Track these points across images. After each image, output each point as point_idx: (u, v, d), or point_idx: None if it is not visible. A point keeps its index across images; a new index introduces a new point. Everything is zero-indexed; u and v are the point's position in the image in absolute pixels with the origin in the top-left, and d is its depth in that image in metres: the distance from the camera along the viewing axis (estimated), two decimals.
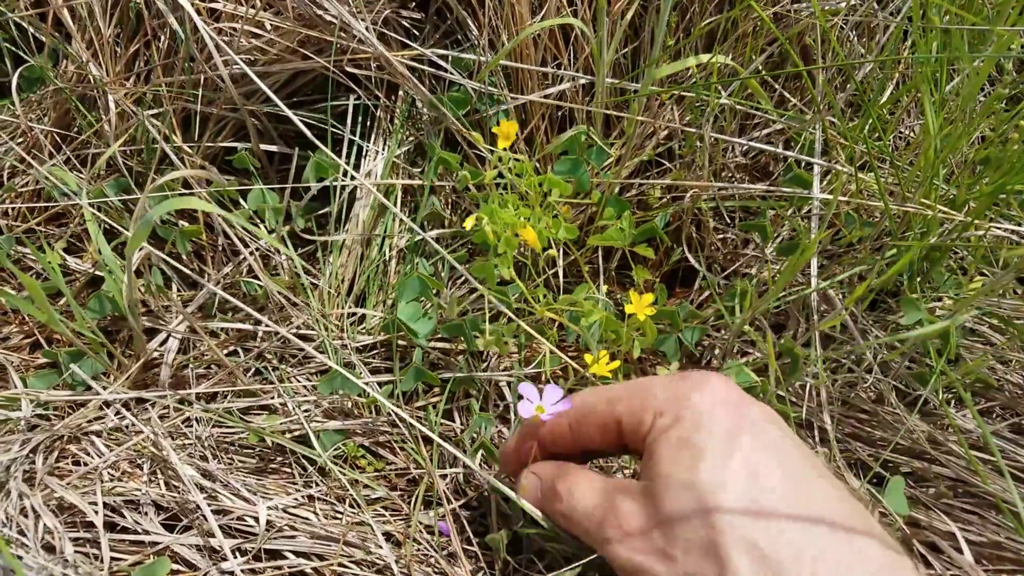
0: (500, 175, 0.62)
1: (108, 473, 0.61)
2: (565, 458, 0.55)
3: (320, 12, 0.67)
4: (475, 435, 0.66)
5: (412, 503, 0.63)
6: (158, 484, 0.60)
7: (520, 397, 0.61)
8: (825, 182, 0.75)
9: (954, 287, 0.76)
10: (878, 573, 0.39)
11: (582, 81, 0.72)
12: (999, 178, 0.69)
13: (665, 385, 0.48)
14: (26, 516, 0.57)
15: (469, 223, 0.60)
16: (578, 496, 0.49)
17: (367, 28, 0.67)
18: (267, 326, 0.66)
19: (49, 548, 0.56)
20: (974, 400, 0.73)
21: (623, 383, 0.53)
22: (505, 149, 0.62)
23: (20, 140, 0.75)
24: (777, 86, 0.78)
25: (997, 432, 0.69)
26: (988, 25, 0.64)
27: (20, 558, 0.54)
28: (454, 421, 0.70)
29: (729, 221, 0.81)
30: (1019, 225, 0.73)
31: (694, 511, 0.41)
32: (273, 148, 0.76)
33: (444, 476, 0.65)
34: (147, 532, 0.58)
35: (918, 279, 0.75)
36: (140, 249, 0.70)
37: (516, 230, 0.58)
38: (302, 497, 0.61)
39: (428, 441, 0.66)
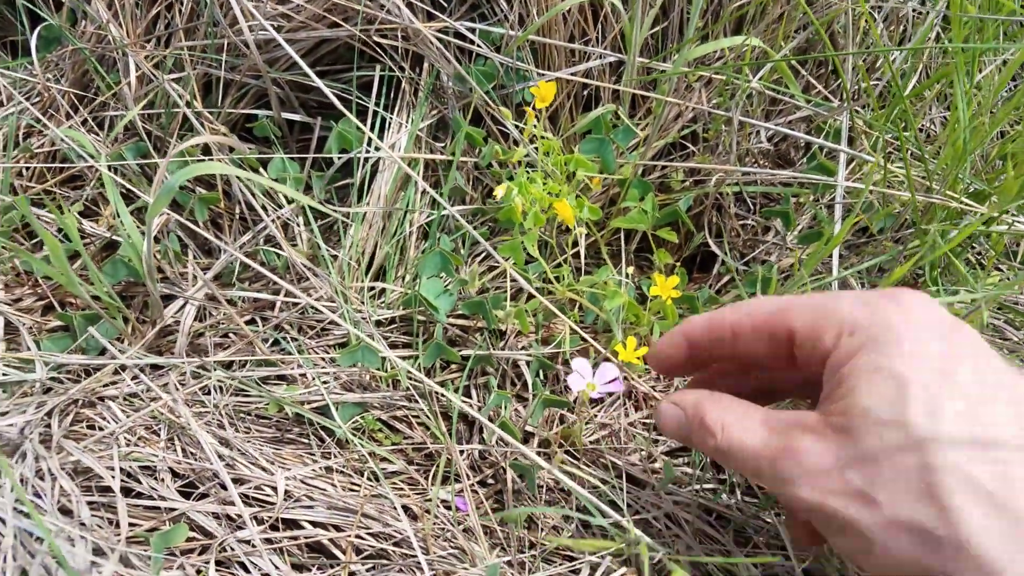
0: (527, 153, 0.62)
1: (124, 438, 0.60)
2: (713, 377, 0.50)
3: None
4: (492, 413, 0.66)
5: (430, 477, 0.62)
6: (175, 451, 0.60)
7: (570, 372, 0.59)
8: (848, 170, 0.74)
9: (972, 280, 0.76)
10: None
11: (610, 59, 0.72)
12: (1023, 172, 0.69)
13: (855, 299, 0.41)
14: (42, 479, 0.56)
15: (500, 191, 0.60)
16: (739, 431, 0.42)
17: None
18: (287, 296, 0.65)
19: (65, 511, 0.55)
20: None
21: (798, 295, 0.45)
22: (535, 126, 0.61)
23: (36, 100, 0.73)
24: (804, 72, 0.77)
25: None
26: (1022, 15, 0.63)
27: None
28: (471, 398, 0.69)
29: (751, 207, 0.80)
30: None
31: (902, 449, 0.36)
32: (295, 117, 0.75)
33: (461, 452, 0.65)
34: (163, 498, 0.57)
35: (937, 271, 0.75)
36: (160, 215, 0.69)
37: (544, 205, 0.57)
38: (320, 468, 0.61)
39: (446, 417, 0.66)
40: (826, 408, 0.40)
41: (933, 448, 0.35)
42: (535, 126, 0.58)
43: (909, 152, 0.77)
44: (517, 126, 0.60)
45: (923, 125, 0.89)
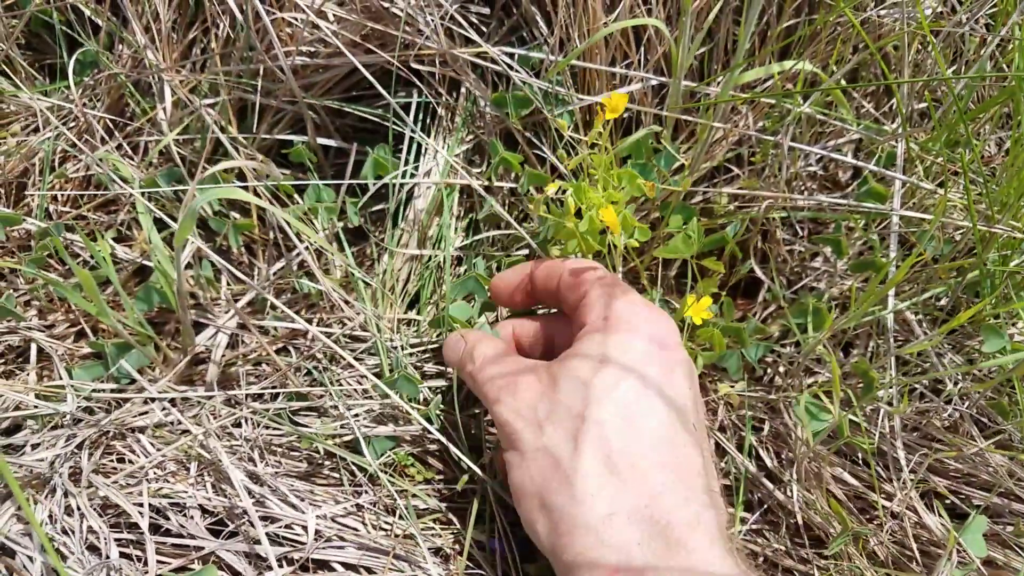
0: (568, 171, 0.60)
1: (154, 473, 0.59)
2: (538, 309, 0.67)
3: (387, 5, 0.65)
4: None
5: (466, 516, 0.60)
6: (204, 487, 0.58)
7: None
8: (900, 196, 0.71)
9: None
10: (701, 511, 0.48)
11: (653, 82, 0.69)
12: None
13: (626, 304, 0.55)
14: (71, 515, 0.55)
15: (551, 188, 0.59)
16: (488, 364, 0.56)
17: (434, 24, 0.64)
18: (319, 329, 0.63)
19: (93, 548, 0.54)
20: None
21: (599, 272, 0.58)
22: (599, 134, 0.59)
23: (72, 125, 0.73)
24: (855, 95, 0.74)
25: None
26: None
27: (64, 559, 0.52)
28: None
29: (798, 232, 0.77)
30: None
31: (578, 403, 0.50)
32: (331, 142, 0.74)
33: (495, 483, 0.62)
34: (192, 536, 0.56)
35: (996, 301, 0.71)
36: (190, 242, 0.68)
37: (602, 210, 0.56)
38: (351, 506, 0.59)
39: (478, 451, 0.64)
40: (557, 360, 0.54)
41: (593, 410, 0.50)
42: (599, 133, 0.57)
43: (969, 178, 0.73)
44: (571, 146, 0.58)
45: (979, 142, 0.85)
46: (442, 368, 0.67)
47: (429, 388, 0.65)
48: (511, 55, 0.69)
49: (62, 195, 0.72)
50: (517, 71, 0.67)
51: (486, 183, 0.72)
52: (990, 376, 0.70)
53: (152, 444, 0.60)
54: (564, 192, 0.59)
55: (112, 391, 0.64)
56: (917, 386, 0.70)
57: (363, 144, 0.74)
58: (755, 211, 0.71)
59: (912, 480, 0.64)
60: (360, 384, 0.64)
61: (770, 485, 0.66)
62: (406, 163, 0.71)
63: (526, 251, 0.73)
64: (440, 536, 0.60)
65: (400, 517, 0.59)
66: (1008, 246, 0.69)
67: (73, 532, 0.53)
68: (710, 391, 0.74)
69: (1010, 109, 0.77)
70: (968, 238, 0.68)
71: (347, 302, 0.64)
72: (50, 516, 0.54)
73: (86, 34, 0.73)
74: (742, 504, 0.66)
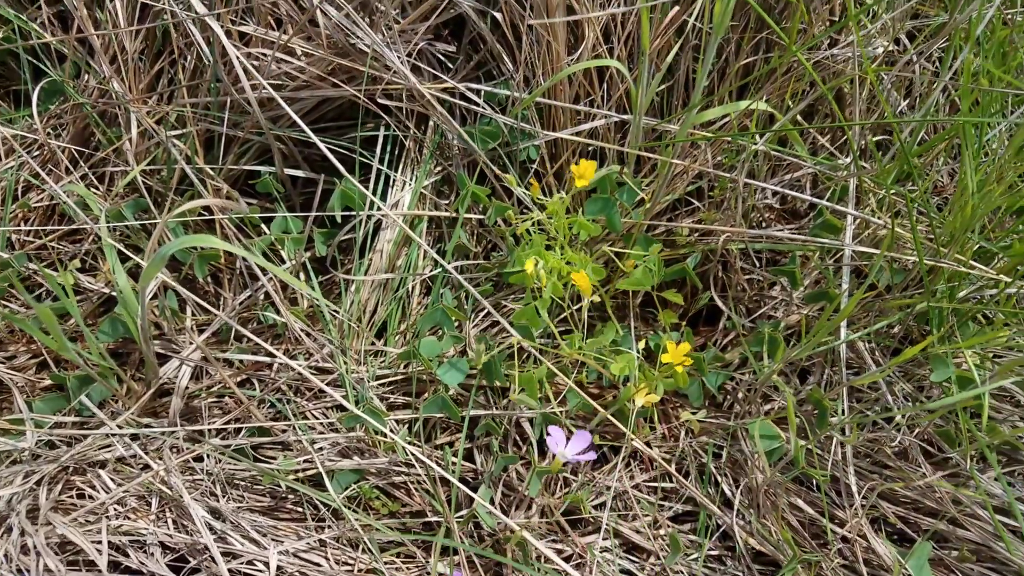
0: (532, 219, 0.61)
1: (114, 509, 0.59)
2: None
3: (353, 41, 0.65)
4: (495, 478, 0.65)
5: (430, 549, 0.61)
6: (166, 523, 0.58)
7: (549, 434, 0.60)
8: (853, 228, 0.73)
9: (980, 339, 0.75)
10: None
11: (615, 119, 0.71)
12: None
13: None
14: (27, 554, 0.54)
15: (529, 266, 0.59)
16: None
17: (401, 59, 0.65)
18: (283, 361, 0.64)
19: None
20: (1001, 462, 0.71)
21: None
22: (536, 200, 0.60)
23: (36, 154, 0.73)
24: (811, 129, 0.77)
25: (1022, 497, 0.68)
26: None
27: None
28: (474, 462, 0.68)
29: (756, 262, 0.79)
30: None
31: None
32: (298, 173, 0.74)
33: (461, 516, 0.63)
34: (153, 574, 0.56)
35: (945, 329, 0.73)
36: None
37: (563, 273, 0.56)
38: (314, 541, 0.59)
39: (446, 481, 0.64)
40: None
41: None
42: (540, 199, 0.58)
43: (919, 211, 0.76)
44: (525, 193, 0.59)
45: (931, 176, 0.88)
46: (410, 399, 0.68)
47: (396, 421, 0.66)
48: (476, 91, 0.70)
49: (25, 223, 0.72)
50: (482, 107, 0.69)
51: (454, 214, 0.73)
52: (939, 398, 0.72)
53: (113, 480, 0.60)
54: (537, 264, 0.60)
55: (74, 424, 0.64)
56: (870, 414, 0.72)
57: (331, 175, 0.74)
58: (714, 243, 0.73)
59: (863, 507, 0.66)
60: (326, 416, 0.65)
61: (728, 512, 0.68)
62: (374, 194, 0.72)
63: (494, 280, 0.74)
64: (402, 571, 0.61)
65: (364, 551, 0.60)
66: (956, 277, 0.71)
67: (29, 572, 0.53)
68: (672, 418, 0.75)
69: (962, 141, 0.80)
70: (924, 276, 0.70)
71: (309, 334, 0.64)
72: (6, 555, 0.54)
73: (52, 63, 0.73)
74: (703, 530, 0.68)
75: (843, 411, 0.69)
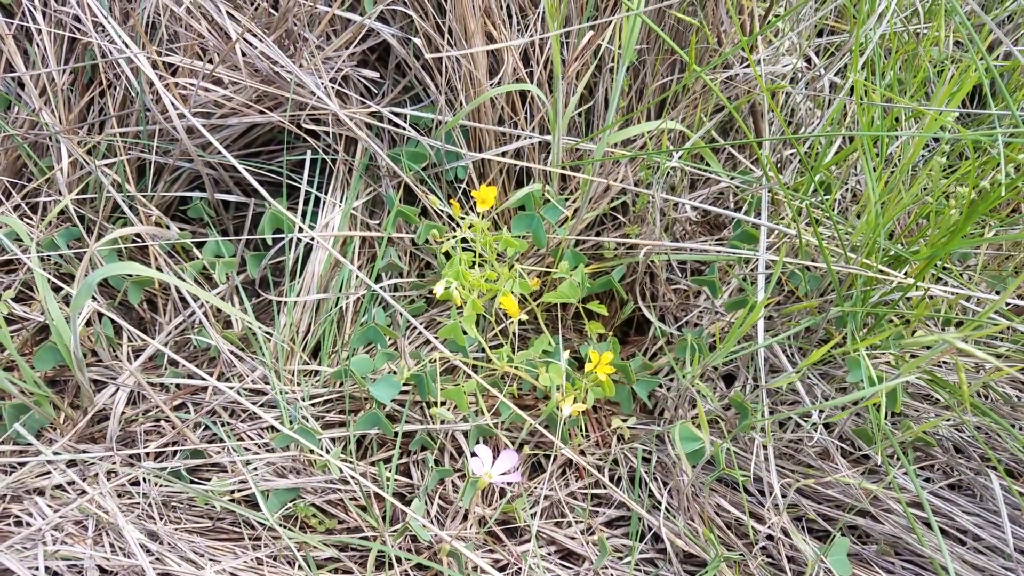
0: (461, 237, 0.63)
1: (52, 535, 0.60)
2: None
3: (277, 70, 0.67)
4: (432, 491, 0.67)
5: (367, 563, 0.62)
6: (103, 547, 0.60)
7: (474, 454, 0.62)
8: (771, 238, 0.77)
9: (896, 340, 0.79)
10: None
11: (538, 140, 0.74)
12: (938, 239, 0.72)
13: None
14: None
15: (440, 287, 0.61)
16: None
17: (324, 86, 0.67)
18: (216, 386, 0.65)
19: None
20: (916, 457, 0.75)
21: None
22: (461, 217, 0.63)
23: None
24: (727, 145, 0.80)
25: (935, 491, 0.71)
26: (918, 104, 0.67)
27: None
28: (411, 476, 0.70)
29: (681, 273, 0.82)
30: (958, 285, 0.76)
31: None
32: (229, 197, 0.76)
33: (395, 530, 0.65)
34: None
35: (861, 332, 0.77)
36: (89, 301, 0.69)
37: (483, 290, 0.59)
38: (250, 560, 0.61)
39: (381, 497, 0.66)
40: None
41: None
42: (462, 217, 0.60)
43: (828, 219, 0.80)
44: (446, 214, 0.61)
45: (849, 183, 0.92)
46: (343, 417, 0.70)
47: (331, 439, 0.68)
48: (402, 115, 0.72)
49: None
50: (407, 130, 0.71)
51: (382, 234, 0.75)
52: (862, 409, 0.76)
53: (50, 506, 0.61)
54: (449, 287, 0.62)
55: (12, 452, 0.65)
56: (792, 416, 0.75)
57: (262, 198, 0.76)
58: (637, 256, 0.76)
59: (783, 504, 0.70)
60: (261, 437, 0.66)
61: (658, 515, 0.71)
62: (304, 216, 0.74)
63: (427, 296, 0.76)
64: None
65: (300, 568, 0.61)
66: (868, 282, 0.75)
67: None
68: (604, 425, 0.78)
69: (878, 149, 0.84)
70: (834, 281, 0.74)
71: (240, 357, 0.66)
72: None
73: None
74: (635, 533, 0.71)
75: (762, 413, 0.73)
